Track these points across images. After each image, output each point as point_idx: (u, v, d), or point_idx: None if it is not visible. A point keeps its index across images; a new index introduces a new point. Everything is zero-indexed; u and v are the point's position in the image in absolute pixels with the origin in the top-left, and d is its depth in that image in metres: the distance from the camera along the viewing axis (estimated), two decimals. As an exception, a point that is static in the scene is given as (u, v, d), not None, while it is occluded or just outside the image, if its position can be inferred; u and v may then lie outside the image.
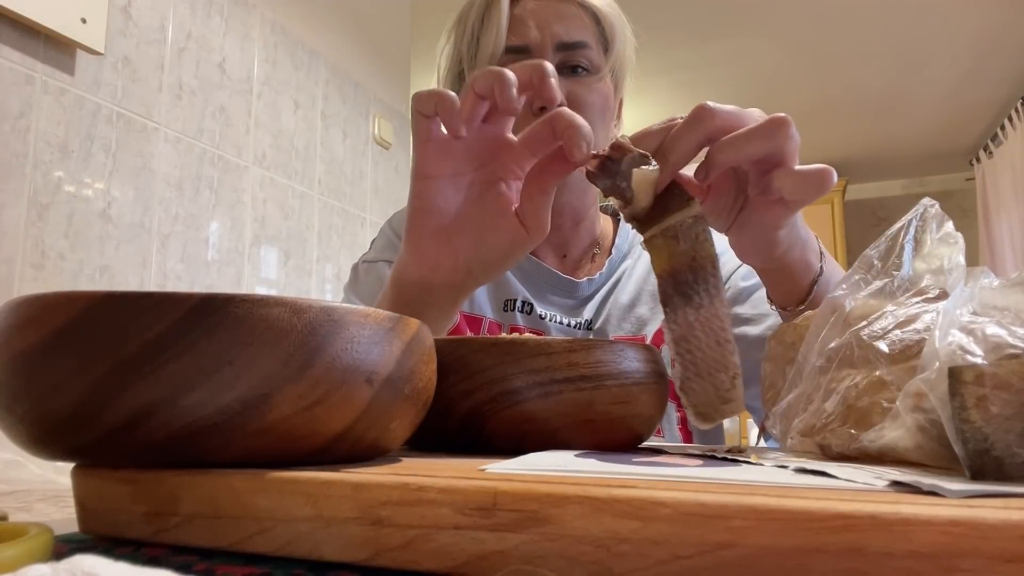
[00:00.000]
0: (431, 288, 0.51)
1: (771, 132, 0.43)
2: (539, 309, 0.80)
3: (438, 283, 0.51)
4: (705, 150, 0.45)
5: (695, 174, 0.46)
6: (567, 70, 0.77)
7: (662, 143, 0.45)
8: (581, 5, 0.78)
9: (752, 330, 0.74)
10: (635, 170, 0.43)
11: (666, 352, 0.80)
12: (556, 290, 0.82)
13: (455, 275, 0.51)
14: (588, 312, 0.81)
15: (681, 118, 0.45)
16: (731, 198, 0.50)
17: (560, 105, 0.76)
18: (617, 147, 0.44)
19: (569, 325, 0.80)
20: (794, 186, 0.44)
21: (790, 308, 0.55)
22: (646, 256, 0.87)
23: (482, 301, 0.81)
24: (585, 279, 0.82)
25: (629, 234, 0.89)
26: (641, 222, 0.44)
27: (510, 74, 0.45)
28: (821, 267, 0.54)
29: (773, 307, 0.58)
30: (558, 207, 0.83)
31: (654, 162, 0.43)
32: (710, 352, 0.40)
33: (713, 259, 0.41)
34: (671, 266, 0.42)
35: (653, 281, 0.84)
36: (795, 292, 0.54)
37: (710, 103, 0.44)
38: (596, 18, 0.78)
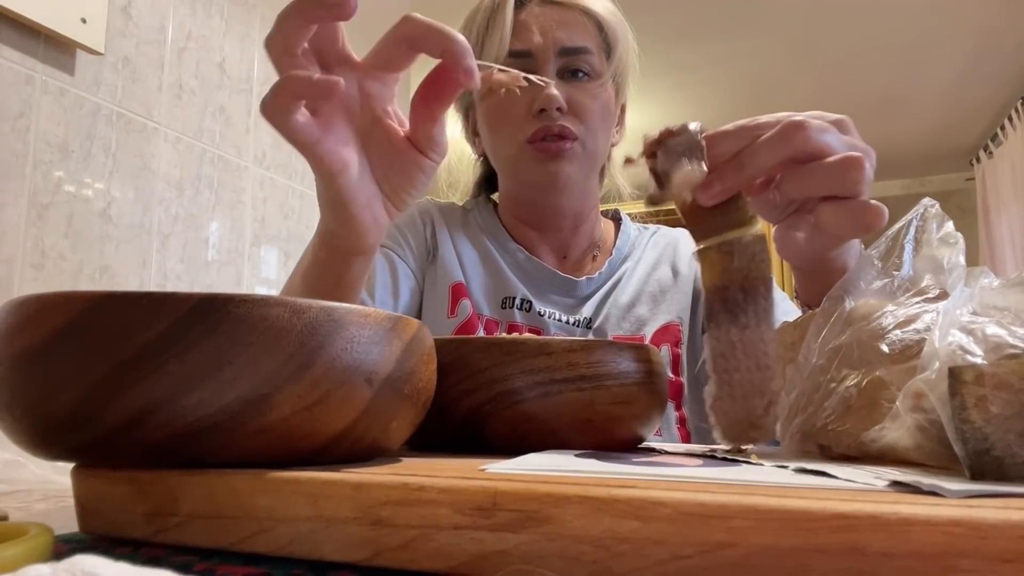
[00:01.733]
0: (363, 251, 0.48)
1: (844, 172, 0.41)
2: (538, 307, 0.80)
3: (368, 245, 0.47)
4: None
5: (768, 190, 0.45)
6: (568, 75, 0.77)
7: (742, 150, 0.41)
8: (584, 12, 0.78)
9: None
10: (682, 168, 0.40)
11: (664, 354, 0.79)
12: (555, 289, 0.82)
13: (378, 232, 0.47)
14: (587, 310, 0.81)
15: (767, 122, 0.42)
16: (784, 203, 0.48)
17: (560, 110, 0.75)
18: (681, 129, 0.41)
19: (568, 322, 0.80)
20: (837, 222, 0.42)
21: (816, 308, 0.54)
22: (647, 258, 0.87)
23: (479, 299, 0.81)
24: (584, 278, 0.83)
25: (630, 236, 0.89)
26: (697, 231, 0.41)
27: None
28: None
29: (797, 302, 0.57)
30: (558, 209, 0.83)
31: (705, 165, 0.41)
32: (748, 375, 0.38)
33: (767, 281, 0.39)
34: (722, 282, 0.39)
35: (653, 282, 0.84)
36: (826, 293, 0.53)
37: (807, 122, 0.41)
38: (599, 24, 0.79)
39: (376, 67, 0.43)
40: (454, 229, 0.87)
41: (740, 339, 0.38)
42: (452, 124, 0.90)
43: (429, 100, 0.42)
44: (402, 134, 0.44)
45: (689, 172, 0.41)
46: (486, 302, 0.82)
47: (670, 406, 0.78)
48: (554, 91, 0.74)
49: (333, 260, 0.48)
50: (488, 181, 0.93)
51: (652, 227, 0.95)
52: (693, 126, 0.42)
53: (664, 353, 0.80)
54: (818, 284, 0.51)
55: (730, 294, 0.39)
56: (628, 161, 0.45)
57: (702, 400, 0.86)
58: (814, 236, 0.47)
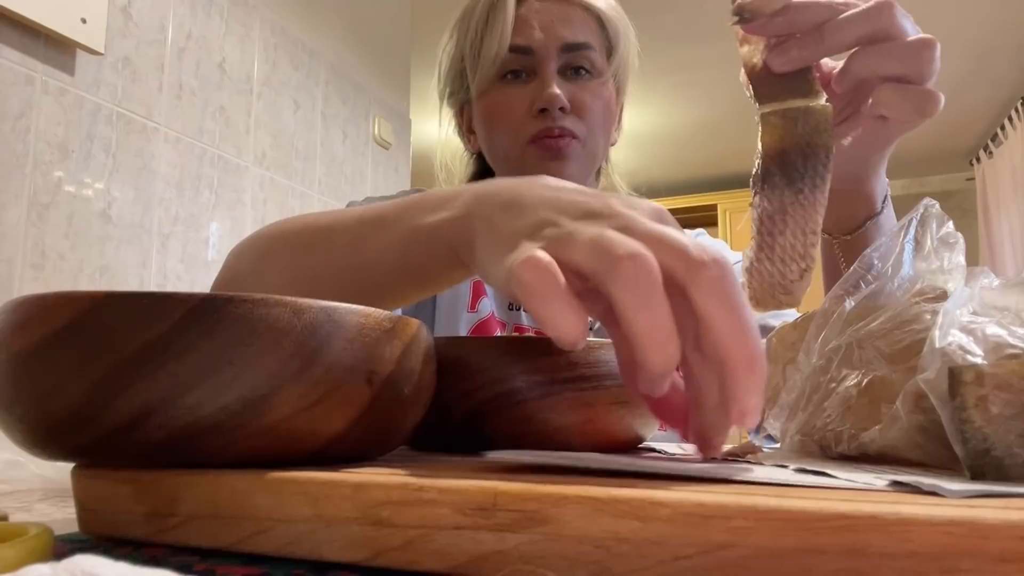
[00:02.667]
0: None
1: (919, 51, 0.41)
2: None
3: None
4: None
5: (834, 81, 0.44)
6: (570, 72, 0.76)
7: (825, 21, 0.41)
8: (585, 8, 0.78)
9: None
10: None
11: None
12: None
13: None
14: None
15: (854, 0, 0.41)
16: (846, 101, 0.47)
17: (562, 109, 0.74)
18: None
19: None
20: (894, 101, 0.42)
21: (837, 236, 0.55)
22: None
23: (488, 299, 0.81)
24: None
25: None
26: (762, 93, 0.41)
27: None
28: (882, 208, 0.53)
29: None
30: None
31: None
32: (792, 239, 0.38)
33: (829, 150, 0.39)
34: (782, 145, 0.39)
35: None
36: (848, 220, 0.54)
37: (894, 2, 0.41)
38: (600, 21, 0.78)
39: None
40: None
41: (793, 203, 0.38)
42: (446, 121, 0.89)
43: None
44: None
45: None
46: (494, 304, 0.82)
47: None
48: (556, 90, 0.73)
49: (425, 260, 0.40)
50: (482, 178, 0.91)
51: None
52: None
53: None
54: (843, 208, 0.52)
55: (788, 158, 0.39)
56: None
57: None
58: (864, 133, 0.46)
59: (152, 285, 1.38)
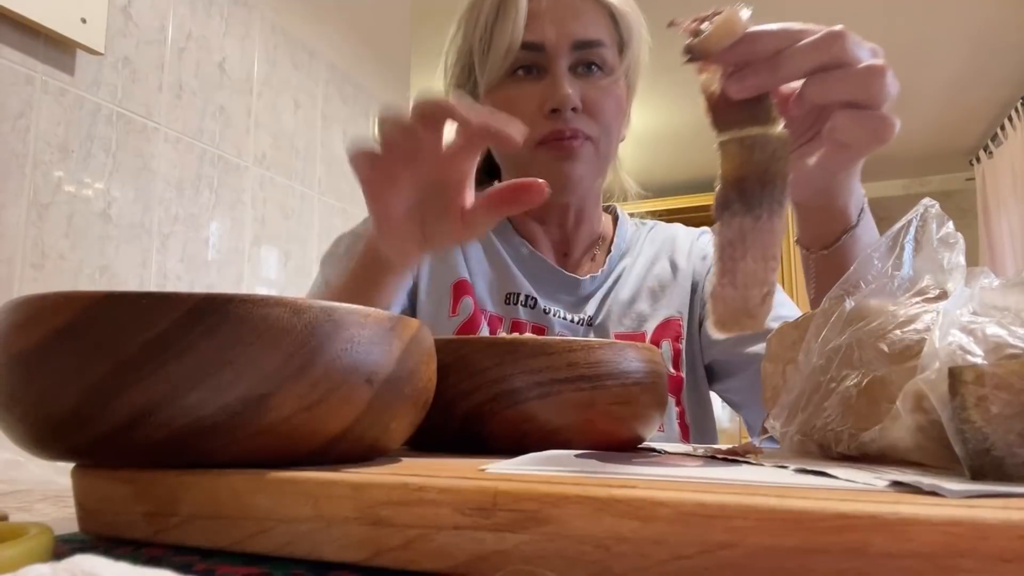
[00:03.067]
0: (399, 271, 0.55)
1: (868, 78, 0.42)
2: (543, 304, 0.80)
3: (404, 267, 0.54)
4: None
5: (791, 105, 0.45)
6: (582, 68, 0.74)
7: (781, 49, 0.42)
8: (598, 2, 0.75)
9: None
10: (726, 11, 0.41)
11: (666, 349, 0.78)
12: (560, 287, 0.82)
13: (415, 258, 0.53)
14: (590, 309, 0.81)
15: (810, 29, 0.43)
16: (806, 126, 0.48)
17: (574, 109, 0.71)
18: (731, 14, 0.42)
19: (572, 321, 0.80)
20: (849, 127, 0.43)
21: (814, 251, 0.55)
22: (645, 253, 0.86)
23: (483, 294, 0.81)
24: (588, 276, 0.82)
25: (627, 232, 0.89)
26: (720, 122, 0.42)
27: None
28: (858, 221, 0.53)
29: (797, 245, 0.57)
30: (562, 208, 0.82)
31: (749, 11, 0.41)
32: (753, 264, 0.39)
33: (785, 177, 0.40)
34: (740, 173, 0.40)
35: (651, 278, 0.84)
36: (823, 237, 0.54)
37: (847, 31, 0.42)
38: (613, 16, 0.76)
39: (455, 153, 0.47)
40: None
41: (752, 228, 0.39)
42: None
43: (499, 204, 0.47)
44: (459, 204, 0.48)
45: (731, 19, 0.41)
46: (490, 297, 0.81)
47: (671, 401, 0.78)
48: (568, 90, 0.71)
49: (367, 272, 0.55)
50: (486, 170, 0.89)
51: (649, 222, 0.93)
52: (744, 14, 0.42)
53: (665, 349, 0.79)
54: (818, 223, 0.53)
55: (747, 186, 0.40)
56: (672, 24, 0.45)
57: (702, 394, 0.84)
58: (826, 156, 0.47)
59: (152, 285, 1.38)
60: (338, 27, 1.97)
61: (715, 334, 0.40)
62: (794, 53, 0.42)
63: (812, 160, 0.48)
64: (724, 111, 0.42)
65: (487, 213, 0.48)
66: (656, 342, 0.80)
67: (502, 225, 0.85)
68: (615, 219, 0.91)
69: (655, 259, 0.86)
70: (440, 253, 0.62)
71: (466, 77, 0.80)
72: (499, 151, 0.80)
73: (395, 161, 0.46)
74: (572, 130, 0.72)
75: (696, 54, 0.42)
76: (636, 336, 0.80)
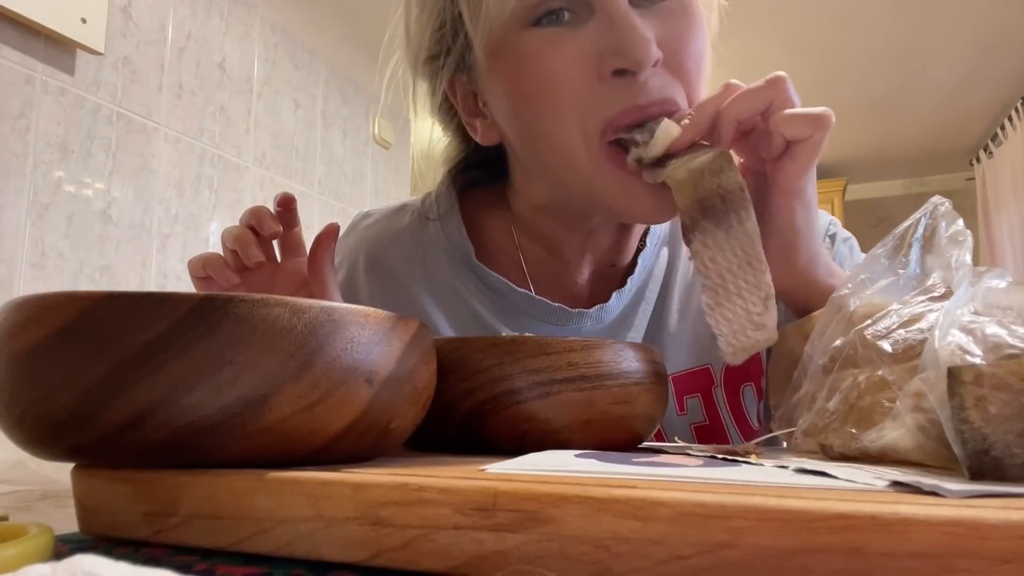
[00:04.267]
0: None
1: (765, 87, 0.45)
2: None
3: None
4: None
5: (715, 134, 0.47)
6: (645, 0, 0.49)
7: (714, 111, 0.45)
8: None
9: None
10: (664, 121, 0.45)
11: (751, 397, 0.60)
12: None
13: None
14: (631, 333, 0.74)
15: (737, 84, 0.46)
16: (752, 188, 0.45)
17: (655, 64, 0.50)
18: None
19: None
20: (788, 122, 0.44)
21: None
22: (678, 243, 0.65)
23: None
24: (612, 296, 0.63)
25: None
26: (661, 162, 0.45)
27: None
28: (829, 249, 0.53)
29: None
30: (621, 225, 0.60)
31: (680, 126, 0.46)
32: (741, 272, 0.39)
33: (742, 185, 0.41)
34: (696, 195, 0.41)
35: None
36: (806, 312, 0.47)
37: (735, 81, 0.46)
38: None
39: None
40: (402, 286, 0.61)
41: (727, 237, 0.40)
42: (421, 103, 0.59)
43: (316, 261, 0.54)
44: (302, 277, 0.55)
45: (671, 128, 0.45)
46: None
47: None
48: (646, 32, 0.46)
49: None
50: (472, 165, 0.65)
51: None
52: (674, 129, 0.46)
53: (751, 397, 0.60)
54: (809, 306, 0.46)
55: (708, 203, 0.41)
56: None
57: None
58: (776, 174, 0.46)
59: (152, 285, 1.38)
60: (338, 27, 1.97)
61: (731, 360, 0.39)
62: (700, 106, 0.46)
63: (770, 211, 0.46)
64: (667, 160, 0.45)
65: (320, 277, 0.54)
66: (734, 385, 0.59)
67: (474, 268, 0.60)
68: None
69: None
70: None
71: (451, 39, 0.53)
72: (536, 152, 0.53)
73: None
74: (661, 103, 0.47)
75: (643, 162, 0.46)
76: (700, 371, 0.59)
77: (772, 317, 0.38)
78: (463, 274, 0.61)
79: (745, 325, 0.39)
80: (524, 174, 0.59)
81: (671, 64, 0.48)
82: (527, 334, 0.40)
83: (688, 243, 0.41)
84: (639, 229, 0.62)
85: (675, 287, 0.61)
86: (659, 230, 0.63)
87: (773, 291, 0.39)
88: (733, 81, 0.46)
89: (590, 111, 0.47)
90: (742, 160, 0.49)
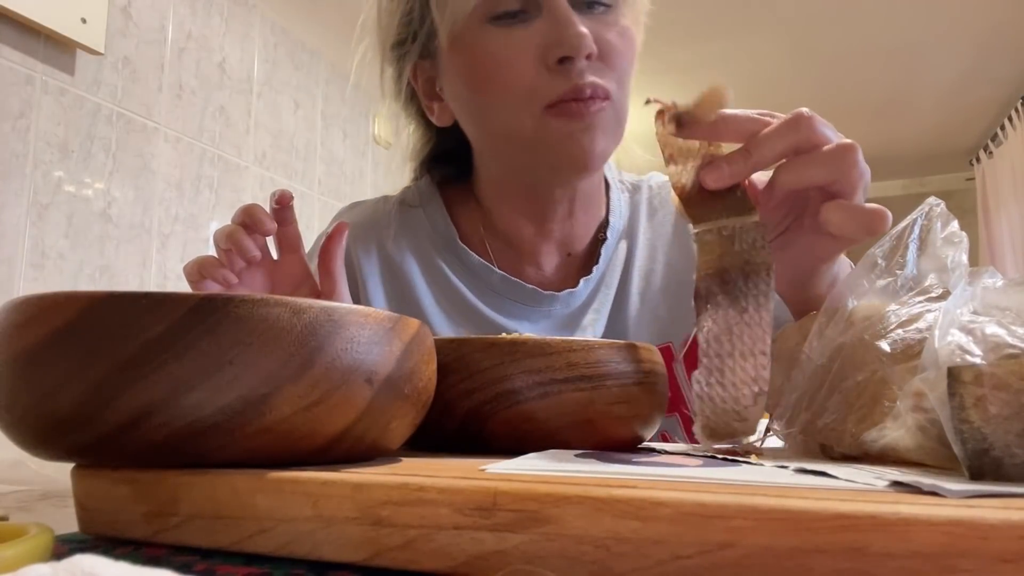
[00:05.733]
0: None
1: (837, 158, 0.41)
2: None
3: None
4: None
5: (762, 195, 0.44)
6: (583, 6, 0.57)
7: (751, 133, 0.41)
8: None
9: None
10: (712, 84, 0.41)
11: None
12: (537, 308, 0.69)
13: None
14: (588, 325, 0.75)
15: (774, 116, 0.42)
16: (782, 214, 0.46)
17: (588, 56, 0.55)
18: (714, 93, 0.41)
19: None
20: (842, 222, 0.41)
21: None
22: (644, 234, 0.69)
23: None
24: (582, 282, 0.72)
25: (621, 207, 0.73)
26: (695, 214, 0.41)
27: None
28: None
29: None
30: (568, 194, 0.66)
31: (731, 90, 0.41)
32: (742, 361, 0.37)
33: (769, 267, 0.38)
34: (721, 264, 0.39)
35: (660, 272, 0.69)
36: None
37: (813, 115, 0.41)
38: None
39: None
40: (396, 266, 0.67)
41: (738, 322, 0.38)
42: (388, 83, 0.68)
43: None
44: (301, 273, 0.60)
45: (718, 90, 0.40)
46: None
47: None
48: (582, 29, 0.54)
49: None
50: (440, 159, 0.72)
51: (639, 181, 0.74)
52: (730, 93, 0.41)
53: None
54: (794, 312, 0.50)
55: (729, 276, 0.38)
56: (650, 102, 0.43)
57: None
58: (813, 244, 0.45)
59: (152, 285, 1.38)
60: (338, 27, 1.97)
61: (703, 441, 0.38)
62: (765, 138, 0.41)
63: (792, 251, 0.46)
64: (698, 203, 0.41)
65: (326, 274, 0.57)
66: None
67: (456, 250, 0.68)
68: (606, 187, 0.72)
69: (660, 244, 0.70)
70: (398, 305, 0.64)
71: (418, 26, 0.61)
72: (484, 128, 0.62)
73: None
74: (592, 86, 0.55)
75: (685, 122, 0.41)
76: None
77: (759, 412, 0.37)
78: (445, 256, 0.68)
79: (729, 414, 0.37)
80: (479, 156, 0.67)
81: (605, 59, 0.57)
82: (527, 334, 0.40)
83: (697, 312, 0.39)
84: (586, 217, 0.69)
85: (634, 273, 0.69)
86: (618, 225, 0.71)
87: (767, 386, 0.37)
88: (807, 115, 0.41)
89: (536, 93, 0.56)
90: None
